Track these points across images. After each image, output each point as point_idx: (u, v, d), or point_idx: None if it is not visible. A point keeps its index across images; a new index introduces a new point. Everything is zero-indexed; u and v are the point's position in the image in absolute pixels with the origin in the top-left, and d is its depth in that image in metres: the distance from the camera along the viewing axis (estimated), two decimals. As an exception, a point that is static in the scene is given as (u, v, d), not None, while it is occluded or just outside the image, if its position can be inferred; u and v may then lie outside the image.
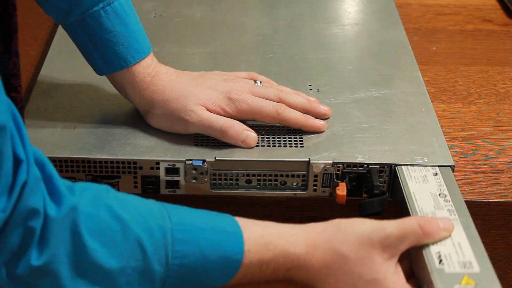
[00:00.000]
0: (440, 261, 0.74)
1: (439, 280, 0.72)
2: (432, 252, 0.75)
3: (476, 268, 0.74)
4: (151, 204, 0.74)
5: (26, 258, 0.67)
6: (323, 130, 0.93)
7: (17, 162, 0.65)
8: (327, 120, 0.95)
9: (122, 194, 0.74)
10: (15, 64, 0.77)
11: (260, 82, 0.96)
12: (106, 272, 0.70)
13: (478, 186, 0.93)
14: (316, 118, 0.94)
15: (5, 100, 0.64)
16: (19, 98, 0.78)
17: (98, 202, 0.71)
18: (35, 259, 0.67)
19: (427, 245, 0.75)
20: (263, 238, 0.75)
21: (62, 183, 0.70)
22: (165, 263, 0.71)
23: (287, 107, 0.92)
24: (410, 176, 0.87)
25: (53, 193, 0.69)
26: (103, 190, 0.73)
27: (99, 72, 0.93)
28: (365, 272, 0.75)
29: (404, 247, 0.76)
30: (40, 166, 0.68)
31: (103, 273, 0.70)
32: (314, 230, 0.77)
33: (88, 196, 0.71)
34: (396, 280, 0.75)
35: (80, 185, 0.71)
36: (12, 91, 0.76)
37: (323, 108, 0.95)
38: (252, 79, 0.97)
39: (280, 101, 0.93)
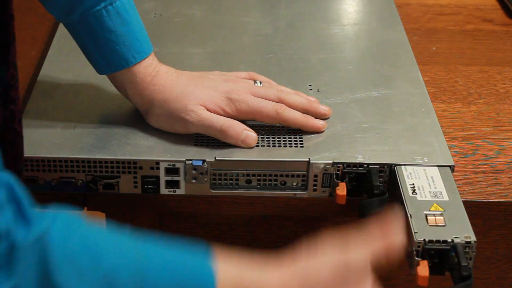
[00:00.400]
0: (414, 191, 0.85)
1: (410, 206, 0.83)
2: (407, 184, 0.86)
3: (445, 198, 0.84)
4: (124, 240, 0.71)
5: None
6: (323, 130, 0.93)
7: None
8: (327, 120, 0.95)
9: (95, 224, 0.70)
10: (13, 75, 0.75)
11: (260, 83, 0.96)
12: None
13: (478, 186, 0.93)
14: (316, 118, 0.94)
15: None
16: (17, 111, 0.76)
17: (71, 230, 0.67)
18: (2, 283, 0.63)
19: (403, 178, 0.87)
20: (236, 269, 0.73)
21: (32, 208, 0.65)
22: None
23: (287, 107, 0.92)
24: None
25: (22, 217, 0.64)
26: (76, 218, 0.69)
27: (99, 71, 0.93)
28: None
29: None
30: (8, 188, 0.64)
31: None
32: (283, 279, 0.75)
33: (60, 223, 0.67)
34: None
35: (52, 211, 0.67)
36: (10, 103, 0.75)
37: (323, 108, 0.95)
38: (252, 79, 0.97)
39: (279, 101, 0.93)
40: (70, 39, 0.94)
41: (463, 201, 0.89)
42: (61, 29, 1.12)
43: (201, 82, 0.93)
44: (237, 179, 0.89)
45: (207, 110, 0.90)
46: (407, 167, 0.88)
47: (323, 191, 0.90)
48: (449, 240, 0.79)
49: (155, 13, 1.19)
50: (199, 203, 0.92)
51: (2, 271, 0.63)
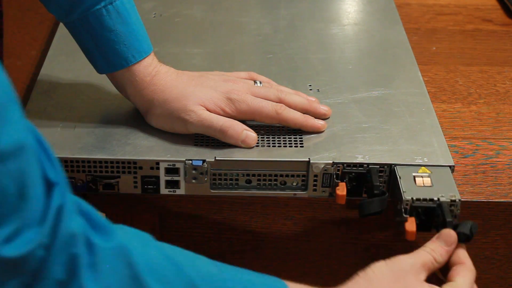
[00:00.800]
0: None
1: (400, 170, 0.88)
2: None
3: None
4: (199, 256, 0.73)
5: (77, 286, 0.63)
6: (323, 130, 0.93)
7: (49, 185, 0.62)
8: (327, 120, 0.95)
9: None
10: None
11: (260, 83, 0.96)
12: None
13: (478, 186, 0.93)
14: (316, 118, 0.94)
15: (23, 120, 0.61)
16: None
17: (147, 243, 0.69)
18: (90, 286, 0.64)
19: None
20: None
21: (103, 220, 0.67)
22: None
23: (287, 107, 0.92)
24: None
25: (96, 226, 0.65)
26: (147, 235, 0.70)
27: (99, 70, 0.93)
28: None
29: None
30: (76, 203, 0.65)
31: None
32: None
33: (133, 235, 0.69)
34: None
35: (121, 226, 0.69)
36: None
37: (323, 108, 0.95)
38: (252, 79, 0.97)
39: (279, 101, 0.93)
40: (70, 39, 0.94)
41: (463, 201, 0.89)
42: (61, 29, 1.12)
43: (201, 82, 0.93)
44: (237, 179, 0.89)
45: (207, 110, 0.90)
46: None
47: (323, 191, 0.90)
48: (435, 198, 0.85)
49: (155, 13, 1.19)
50: (199, 203, 0.92)
51: (90, 272, 0.64)
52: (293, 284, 0.75)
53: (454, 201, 0.85)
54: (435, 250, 0.82)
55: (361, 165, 0.88)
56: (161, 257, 0.69)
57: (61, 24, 1.13)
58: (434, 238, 0.83)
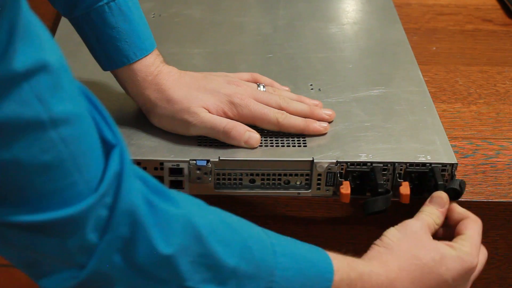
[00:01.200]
0: None
1: None
2: None
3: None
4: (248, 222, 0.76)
5: (148, 245, 0.66)
6: (326, 132, 0.93)
7: (107, 148, 0.65)
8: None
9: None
10: None
11: (263, 86, 0.96)
12: (228, 270, 0.71)
13: (478, 186, 0.93)
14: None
15: (76, 84, 0.63)
16: None
17: (204, 207, 0.73)
18: (163, 247, 0.67)
19: None
20: (346, 259, 0.79)
21: (160, 184, 0.70)
22: (270, 273, 0.73)
23: (288, 114, 0.92)
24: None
25: (156, 191, 0.69)
26: (202, 201, 0.74)
27: (103, 67, 0.93)
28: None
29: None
30: (141, 178, 0.68)
31: (226, 271, 0.71)
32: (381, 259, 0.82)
33: (191, 201, 0.72)
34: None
35: (177, 192, 0.72)
36: None
37: (326, 113, 0.95)
38: (255, 81, 0.97)
39: (281, 109, 0.93)
40: (69, 40, 0.94)
41: (463, 201, 0.90)
42: (61, 30, 1.12)
43: (204, 84, 0.93)
44: (241, 179, 0.89)
45: (209, 113, 0.90)
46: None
47: (327, 190, 0.90)
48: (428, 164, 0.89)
49: (154, 13, 1.19)
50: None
51: (161, 233, 0.67)
52: (335, 256, 0.79)
53: (445, 165, 0.89)
54: (431, 212, 0.86)
55: (364, 163, 0.88)
56: (218, 220, 0.72)
57: (60, 24, 1.12)
58: (427, 202, 0.88)
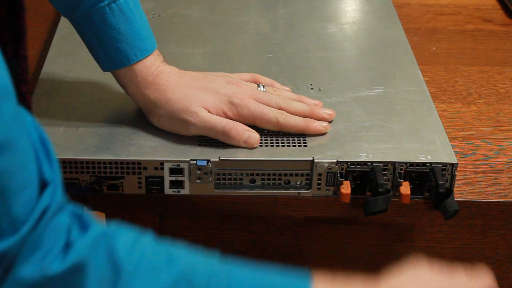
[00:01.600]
0: None
1: None
2: None
3: None
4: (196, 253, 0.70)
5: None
6: (326, 132, 0.93)
7: (43, 184, 0.62)
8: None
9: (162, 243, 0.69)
10: (24, 70, 0.74)
11: (263, 86, 0.96)
12: None
13: (478, 186, 0.93)
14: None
15: (19, 114, 0.60)
16: (28, 106, 0.75)
17: (137, 237, 0.67)
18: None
19: None
20: None
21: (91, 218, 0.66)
22: None
23: (288, 114, 0.92)
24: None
25: (83, 224, 0.65)
26: (139, 234, 0.68)
27: (103, 68, 0.93)
28: None
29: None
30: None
31: None
32: None
33: (125, 235, 0.66)
34: None
35: (114, 226, 0.67)
36: (20, 99, 0.72)
37: (326, 113, 0.95)
38: (255, 81, 0.97)
39: (281, 109, 0.93)
40: (69, 40, 0.94)
41: (463, 201, 0.90)
42: (60, 30, 1.12)
43: (204, 84, 0.92)
44: (241, 179, 0.89)
45: (209, 112, 0.90)
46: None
47: (327, 190, 0.90)
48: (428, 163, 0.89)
49: (153, 13, 1.19)
50: (203, 203, 0.92)
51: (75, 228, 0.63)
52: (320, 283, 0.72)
53: (446, 165, 0.89)
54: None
55: (365, 163, 0.88)
56: (151, 249, 0.66)
57: (60, 25, 1.12)
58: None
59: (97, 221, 0.66)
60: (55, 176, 0.63)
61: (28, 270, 0.61)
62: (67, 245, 0.63)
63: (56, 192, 0.63)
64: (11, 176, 0.59)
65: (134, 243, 0.66)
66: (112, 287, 0.64)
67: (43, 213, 0.61)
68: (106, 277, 0.63)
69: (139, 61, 0.90)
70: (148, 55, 0.91)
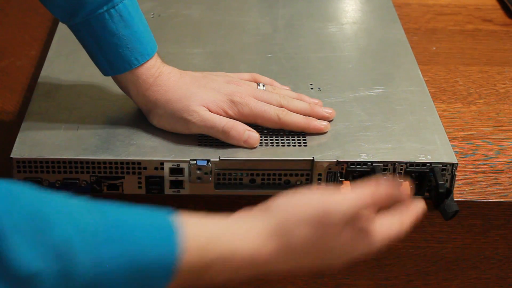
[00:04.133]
0: None
1: None
2: None
3: None
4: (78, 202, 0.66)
5: None
6: (326, 131, 0.93)
7: None
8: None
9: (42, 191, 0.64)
10: None
11: (263, 85, 0.96)
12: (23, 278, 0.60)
13: (478, 186, 0.93)
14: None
15: None
16: None
17: (14, 197, 0.62)
18: None
19: None
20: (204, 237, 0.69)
21: None
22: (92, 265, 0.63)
23: (288, 111, 0.92)
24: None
25: None
26: (19, 185, 0.63)
27: (103, 73, 0.92)
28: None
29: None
30: None
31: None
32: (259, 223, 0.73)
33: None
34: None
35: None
36: None
37: (326, 111, 0.95)
38: (255, 81, 0.97)
39: (281, 107, 0.93)
40: (69, 40, 0.94)
41: (463, 201, 0.90)
42: (60, 30, 1.11)
43: (204, 83, 0.93)
44: (241, 179, 0.89)
45: (209, 111, 0.90)
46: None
47: (327, 190, 0.90)
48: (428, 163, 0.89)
49: (153, 13, 1.19)
50: (203, 203, 0.92)
51: None
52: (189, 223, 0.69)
53: (446, 165, 0.88)
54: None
55: (365, 163, 0.88)
56: (26, 215, 0.61)
57: (60, 25, 1.12)
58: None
59: None
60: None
61: None
62: None
63: None
64: None
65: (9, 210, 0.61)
66: None
67: None
68: None
69: (141, 65, 0.90)
70: (149, 59, 0.91)
